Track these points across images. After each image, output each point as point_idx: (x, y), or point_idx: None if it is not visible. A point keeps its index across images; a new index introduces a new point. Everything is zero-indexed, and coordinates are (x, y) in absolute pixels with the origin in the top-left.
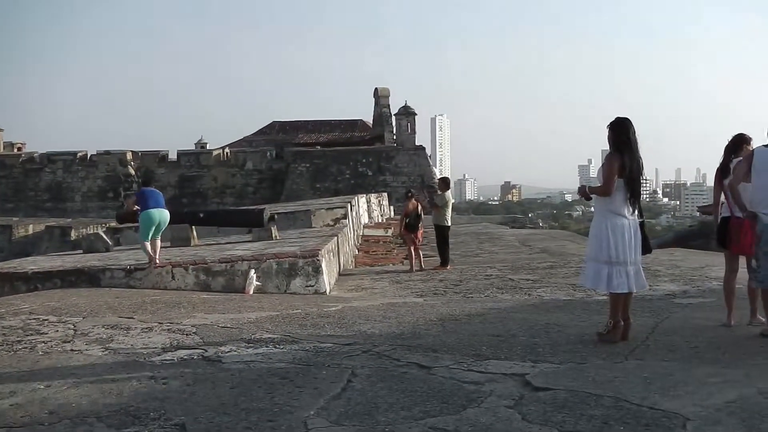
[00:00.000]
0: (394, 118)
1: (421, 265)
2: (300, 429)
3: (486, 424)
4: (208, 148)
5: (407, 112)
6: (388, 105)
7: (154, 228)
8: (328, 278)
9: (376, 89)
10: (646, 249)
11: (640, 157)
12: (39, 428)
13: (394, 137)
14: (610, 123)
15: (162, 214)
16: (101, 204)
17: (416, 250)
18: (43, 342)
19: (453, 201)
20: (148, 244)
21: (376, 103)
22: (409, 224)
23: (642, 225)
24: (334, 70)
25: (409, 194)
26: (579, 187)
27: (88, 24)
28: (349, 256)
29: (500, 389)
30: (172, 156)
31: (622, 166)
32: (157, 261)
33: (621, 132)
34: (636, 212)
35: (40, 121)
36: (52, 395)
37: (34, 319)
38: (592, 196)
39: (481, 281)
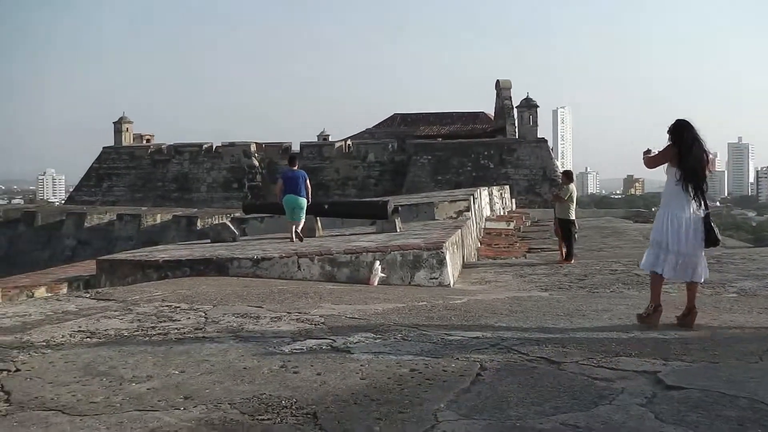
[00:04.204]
0: (515, 110)
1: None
2: (430, 421)
3: (618, 422)
4: (330, 140)
5: (529, 105)
6: (510, 97)
7: (292, 211)
8: (452, 270)
9: (497, 81)
10: (712, 242)
11: (705, 152)
12: (175, 412)
13: (516, 130)
14: (669, 128)
15: (296, 200)
16: (226, 194)
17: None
18: (176, 329)
19: (576, 194)
20: (292, 225)
21: (498, 95)
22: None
23: (708, 218)
24: (455, 62)
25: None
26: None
27: (214, 23)
28: (472, 248)
29: (632, 387)
30: (295, 148)
31: (678, 157)
32: (294, 239)
33: (678, 133)
34: (701, 207)
35: (166, 113)
36: (186, 381)
37: (167, 306)
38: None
39: (607, 276)
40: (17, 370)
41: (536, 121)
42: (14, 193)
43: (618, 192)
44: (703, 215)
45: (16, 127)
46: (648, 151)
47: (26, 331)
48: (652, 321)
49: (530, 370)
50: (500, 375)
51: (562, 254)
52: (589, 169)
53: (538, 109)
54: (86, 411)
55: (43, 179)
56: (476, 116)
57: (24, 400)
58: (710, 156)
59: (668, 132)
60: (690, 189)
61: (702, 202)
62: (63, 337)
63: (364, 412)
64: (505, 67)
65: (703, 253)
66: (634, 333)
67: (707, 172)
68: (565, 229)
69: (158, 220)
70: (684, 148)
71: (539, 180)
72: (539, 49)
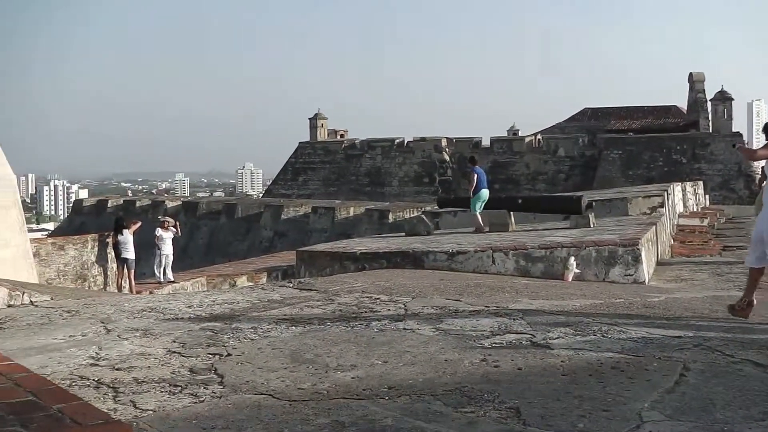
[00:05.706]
0: (709, 103)
1: None
2: (634, 421)
3: None
4: (520, 134)
5: (723, 98)
6: (703, 90)
7: (481, 203)
8: (647, 268)
9: (690, 74)
10: None
11: None
12: (380, 401)
13: (710, 123)
14: (764, 126)
15: (488, 193)
16: (417, 189)
17: None
18: (377, 320)
19: None
20: (478, 215)
21: (691, 89)
22: None
23: None
24: (645, 55)
25: None
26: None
27: (405, 21)
28: (666, 245)
29: None
30: (485, 143)
31: None
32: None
33: None
34: None
35: (359, 109)
36: (389, 371)
37: (367, 297)
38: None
39: None
40: (228, 354)
41: (731, 115)
42: (216, 186)
43: None
44: None
45: (216, 125)
46: (741, 143)
47: (235, 317)
48: (744, 314)
49: (736, 372)
50: (705, 376)
51: None
52: None
53: (733, 102)
54: (295, 396)
55: (242, 173)
56: (668, 110)
57: (236, 384)
58: None
59: (764, 131)
60: None
61: None
62: (269, 324)
63: (567, 409)
64: (697, 59)
65: None
66: None
67: None
68: None
69: (351, 213)
70: None
71: (734, 176)
72: (735, 38)
